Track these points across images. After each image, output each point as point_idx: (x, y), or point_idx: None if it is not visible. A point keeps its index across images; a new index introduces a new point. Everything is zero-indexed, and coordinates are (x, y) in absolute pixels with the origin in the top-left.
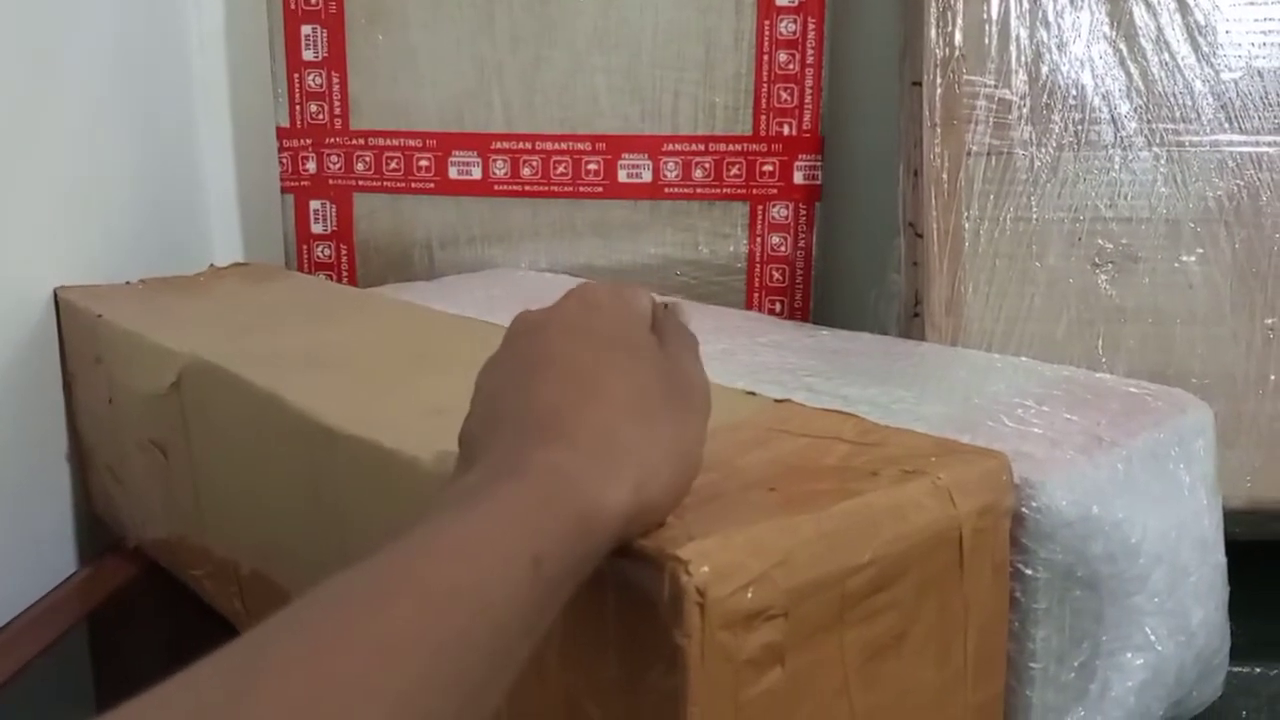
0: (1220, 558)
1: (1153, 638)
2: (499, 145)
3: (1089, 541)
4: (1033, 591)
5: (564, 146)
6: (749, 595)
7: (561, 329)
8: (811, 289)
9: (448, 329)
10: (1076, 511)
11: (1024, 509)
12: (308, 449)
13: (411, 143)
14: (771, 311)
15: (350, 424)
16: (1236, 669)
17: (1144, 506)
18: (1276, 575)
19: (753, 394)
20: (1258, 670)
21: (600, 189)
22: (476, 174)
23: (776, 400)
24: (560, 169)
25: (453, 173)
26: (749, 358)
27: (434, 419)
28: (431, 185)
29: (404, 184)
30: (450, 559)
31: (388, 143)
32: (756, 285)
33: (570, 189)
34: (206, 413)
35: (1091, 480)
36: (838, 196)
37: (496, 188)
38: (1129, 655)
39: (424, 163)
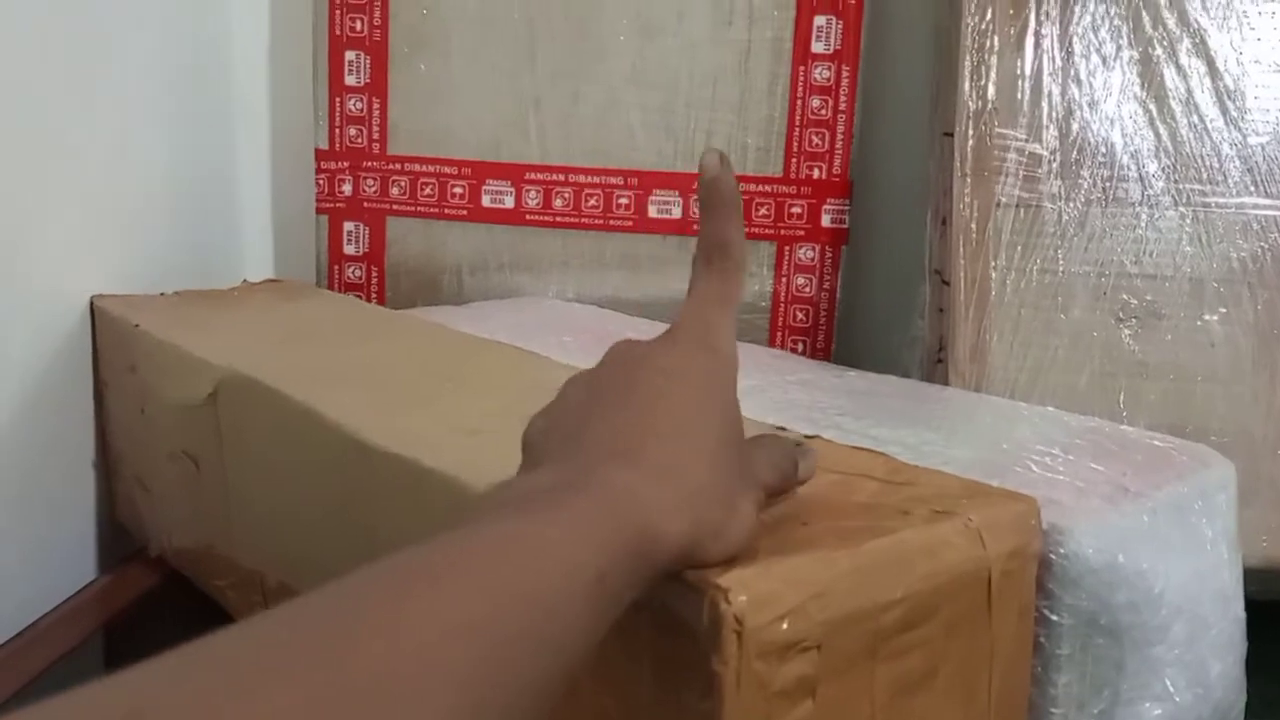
0: (1240, 612)
1: (1171, 689)
2: (532, 176)
3: (1113, 590)
4: (1056, 637)
5: (596, 180)
6: (785, 626)
7: (662, 365)
8: (835, 331)
9: (479, 351)
10: (1102, 559)
11: (1051, 554)
12: (341, 464)
13: (447, 170)
14: (794, 351)
15: (387, 440)
16: None
17: (1167, 558)
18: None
19: (783, 429)
20: None
21: (630, 223)
22: (509, 203)
23: (807, 436)
24: (592, 201)
25: (486, 200)
26: (779, 395)
27: (470, 439)
28: (464, 212)
29: (437, 210)
30: (521, 561)
31: (423, 169)
32: (780, 324)
33: (601, 222)
34: (242, 425)
35: (1117, 529)
36: (864, 241)
37: (528, 217)
38: (1148, 705)
39: (458, 190)
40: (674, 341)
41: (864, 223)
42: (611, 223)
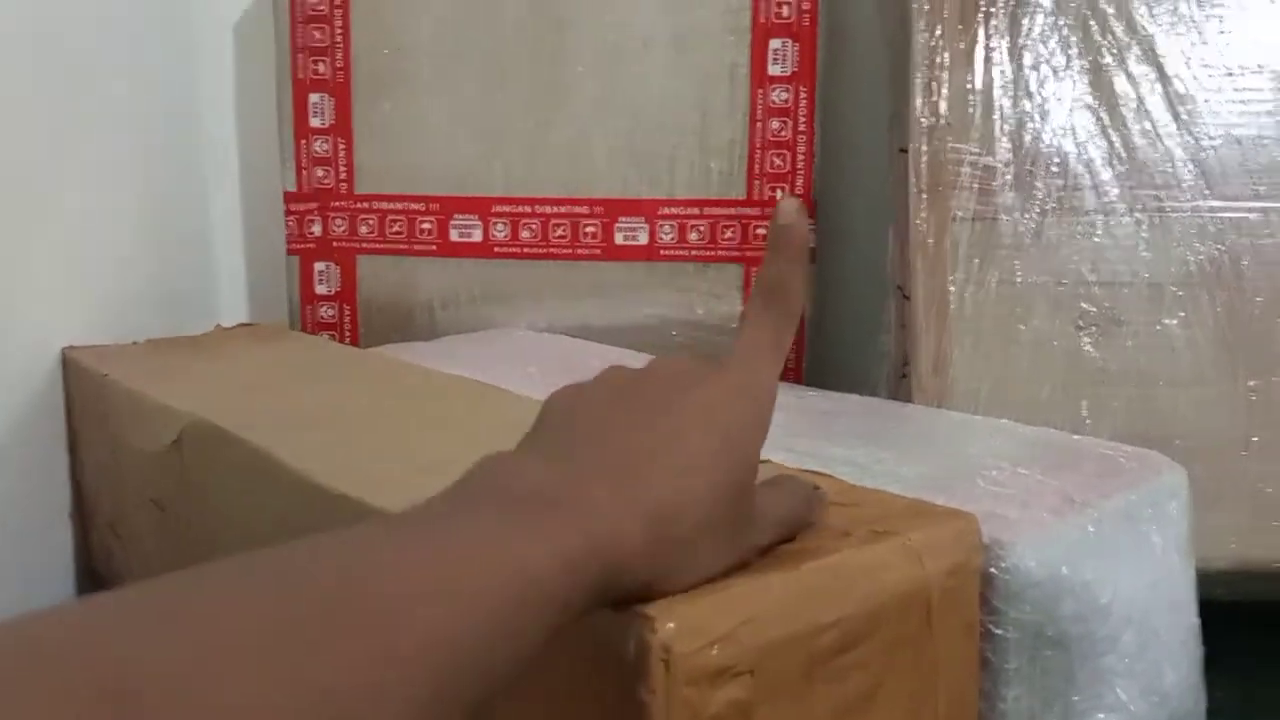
0: (1193, 619)
1: (1125, 698)
2: (499, 208)
3: (1058, 602)
4: (1003, 651)
5: (563, 210)
6: (715, 652)
7: (701, 401)
8: (805, 350)
9: (443, 389)
10: (1045, 572)
11: (993, 569)
12: (301, 509)
13: (414, 206)
14: None
15: (344, 484)
16: None
17: (1114, 567)
18: (1262, 637)
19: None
20: None
21: (598, 251)
22: (477, 236)
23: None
24: (559, 231)
25: (454, 235)
26: None
27: (423, 477)
28: (433, 247)
29: (406, 246)
30: (491, 573)
31: (391, 206)
32: None
33: (569, 251)
34: (205, 471)
35: (1061, 541)
36: (830, 259)
37: (496, 249)
38: (1101, 716)
39: (426, 225)
40: (720, 378)
41: (829, 241)
42: (579, 251)
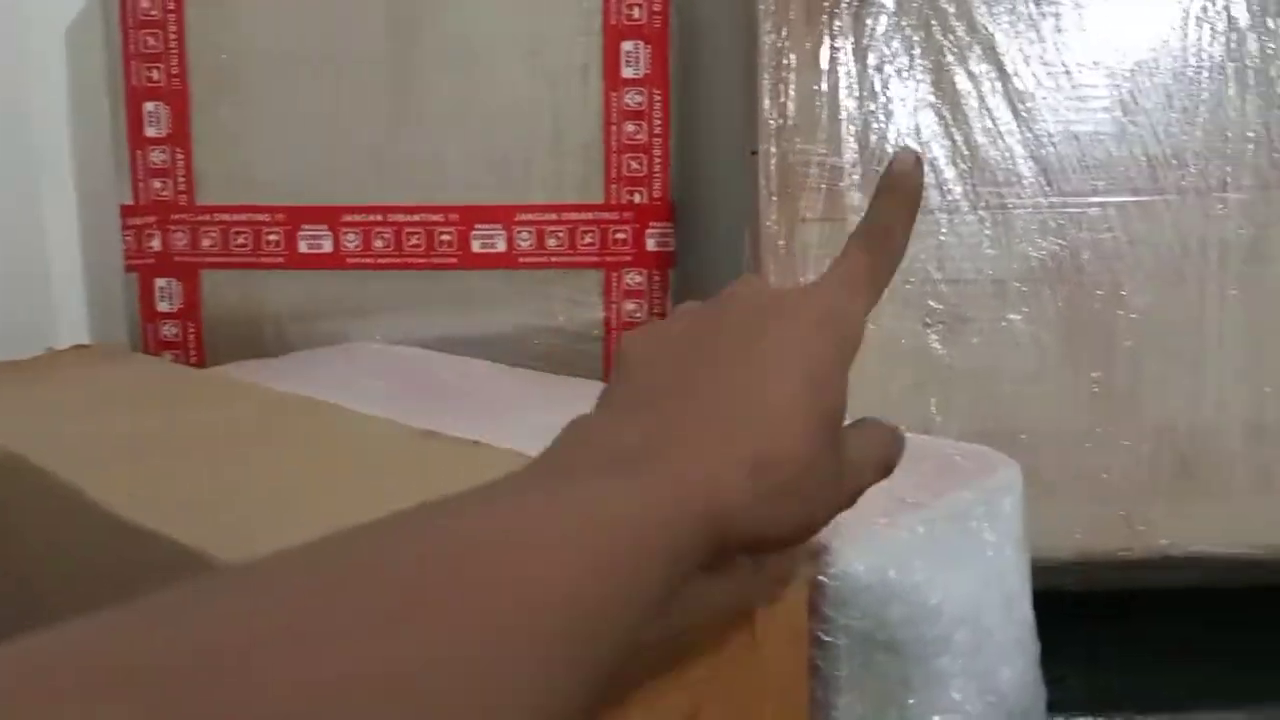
0: (1027, 614)
1: (960, 698)
2: (350, 218)
3: (888, 605)
4: (833, 659)
5: (416, 218)
6: None
7: (792, 332)
8: None
9: (279, 408)
10: (874, 576)
11: (821, 576)
12: (111, 546)
13: (260, 217)
14: None
15: (149, 518)
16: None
17: (945, 568)
18: (1108, 626)
19: None
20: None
21: (454, 259)
22: (327, 247)
23: None
24: (413, 240)
25: (302, 246)
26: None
27: (247, 510)
28: (281, 260)
29: (252, 259)
30: (604, 534)
31: (235, 218)
32: (614, 352)
33: (424, 260)
34: (15, 506)
35: (889, 544)
36: (693, 262)
37: (349, 260)
38: (937, 718)
39: (273, 237)
40: (811, 305)
41: (692, 244)
42: (435, 260)
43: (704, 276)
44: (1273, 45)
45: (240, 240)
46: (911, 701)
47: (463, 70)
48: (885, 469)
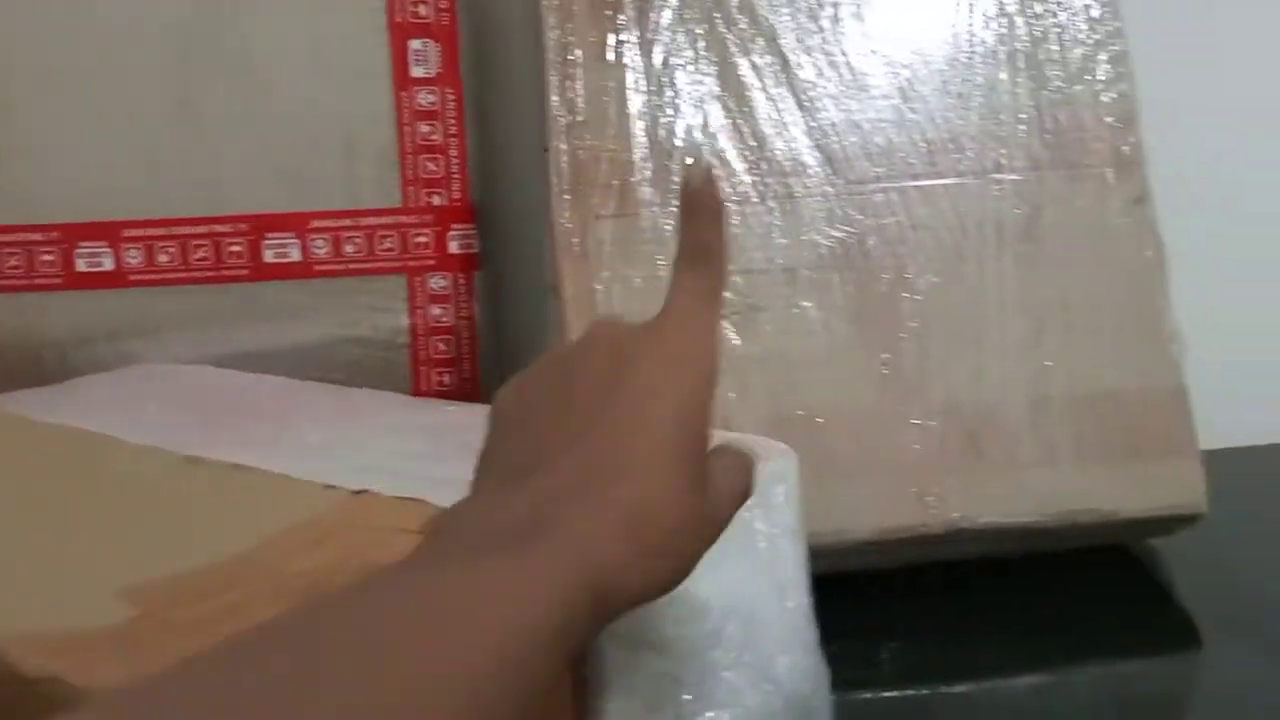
0: (803, 601)
1: (736, 691)
2: (130, 233)
3: (653, 605)
4: (599, 664)
5: (202, 230)
6: None
7: (648, 376)
8: (479, 359)
9: (41, 443)
10: None
11: None
12: None
13: (32, 236)
14: (440, 384)
15: None
16: (886, 694)
17: (714, 561)
18: (911, 601)
19: (332, 487)
20: (909, 693)
21: (246, 272)
22: (108, 264)
23: (354, 492)
24: (200, 253)
25: (81, 265)
26: (361, 443)
27: None
28: (58, 281)
29: (26, 282)
30: (490, 614)
31: (5, 239)
32: (422, 359)
33: (213, 274)
34: None
35: None
36: (499, 263)
37: (131, 278)
38: (713, 714)
39: (48, 257)
40: (666, 343)
41: (497, 245)
42: (225, 274)
43: (511, 277)
44: (1040, 28)
45: (12, 262)
46: (686, 698)
47: (243, 76)
48: (743, 498)
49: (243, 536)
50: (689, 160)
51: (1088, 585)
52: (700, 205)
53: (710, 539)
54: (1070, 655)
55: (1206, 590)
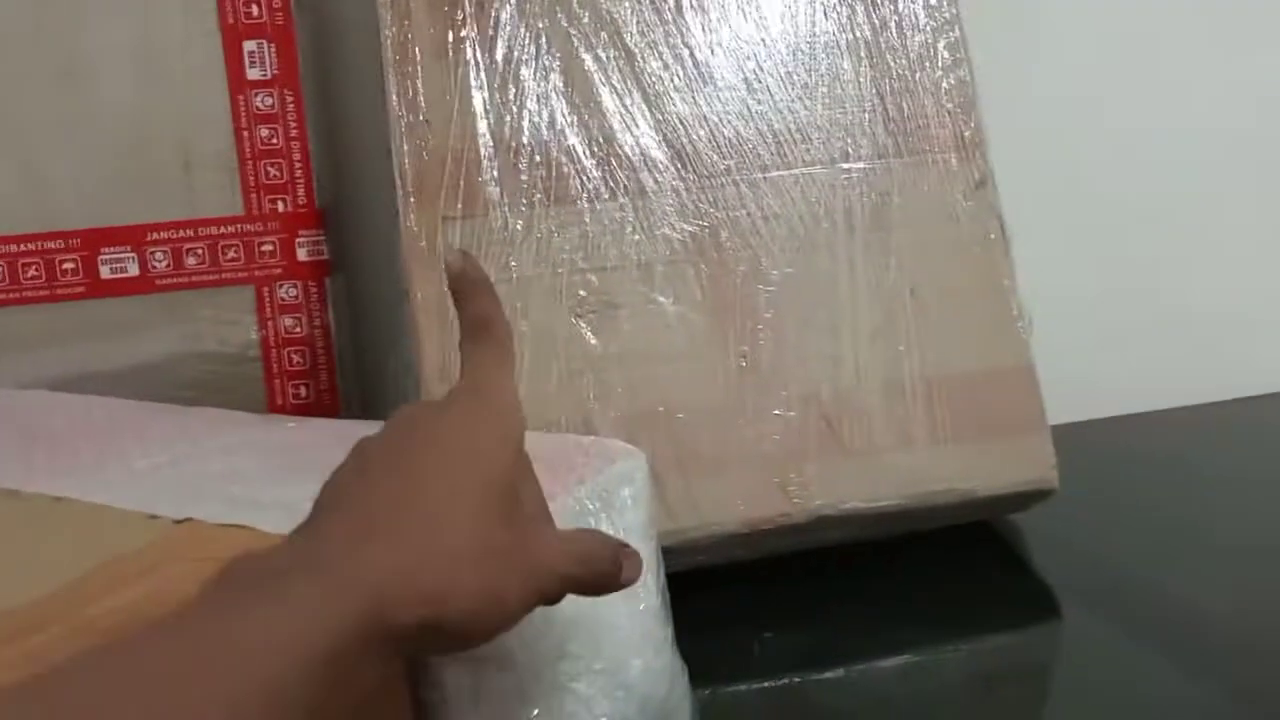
0: (654, 602)
1: (586, 700)
2: None
3: None
4: (438, 686)
5: (32, 246)
6: None
7: (443, 430)
8: (336, 368)
9: None
10: None
11: None
12: None
13: None
14: (296, 397)
15: None
16: (760, 685)
17: None
18: (780, 590)
19: (155, 517)
20: (782, 682)
21: (81, 289)
22: None
23: (177, 521)
24: (31, 272)
25: None
26: (190, 467)
27: None
28: None
29: None
30: (247, 656)
31: None
32: (276, 371)
33: (45, 292)
34: None
35: None
36: (353, 269)
37: None
38: None
39: None
40: (456, 402)
41: (346, 252)
42: (58, 292)
43: (364, 283)
44: (879, 17)
45: None
46: (535, 713)
47: (67, 83)
48: (588, 564)
49: (58, 574)
50: (447, 251)
51: (948, 564)
52: (467, 283)
53: (527, 576)
54: (936, 634)
55: (1062, 562)
